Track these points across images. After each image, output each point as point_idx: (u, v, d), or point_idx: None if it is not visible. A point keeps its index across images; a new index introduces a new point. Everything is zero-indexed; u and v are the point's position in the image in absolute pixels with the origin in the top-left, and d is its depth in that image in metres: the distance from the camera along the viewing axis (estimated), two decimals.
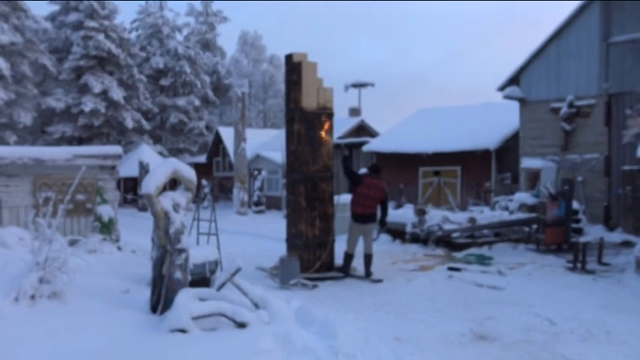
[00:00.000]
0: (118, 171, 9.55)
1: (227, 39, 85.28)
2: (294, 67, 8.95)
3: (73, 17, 34.59)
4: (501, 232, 11.81)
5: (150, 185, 5.06)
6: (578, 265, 9.03)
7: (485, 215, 11.81)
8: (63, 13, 36.01)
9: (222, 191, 32.85)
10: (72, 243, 6.82)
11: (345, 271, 8.62)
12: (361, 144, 24.00)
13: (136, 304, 5.44)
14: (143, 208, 25.10)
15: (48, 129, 33.51)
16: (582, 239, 9.92)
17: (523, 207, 13.75)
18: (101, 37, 33.26)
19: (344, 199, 10.93)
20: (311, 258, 8.71)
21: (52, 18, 36.37)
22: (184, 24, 42.91)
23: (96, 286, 5.85)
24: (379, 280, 8.22)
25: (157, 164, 5.41)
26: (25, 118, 30.54)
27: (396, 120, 26.33)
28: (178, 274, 5.31)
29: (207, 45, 43.19)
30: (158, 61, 38.88)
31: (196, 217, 9.14)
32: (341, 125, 27.43)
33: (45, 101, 32.86)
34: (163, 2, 40.73)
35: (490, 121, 21.12)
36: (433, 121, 23.98)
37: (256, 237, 14.33)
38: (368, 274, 8.43)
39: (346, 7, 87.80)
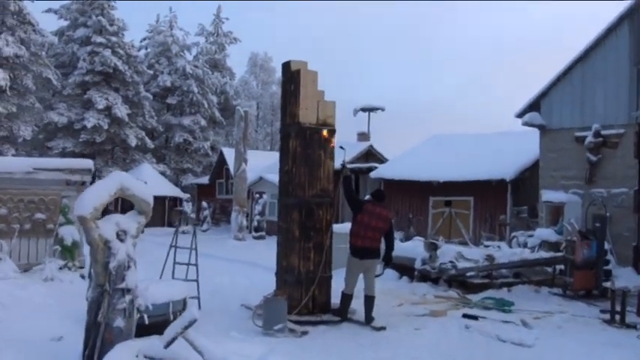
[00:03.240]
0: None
1: (237, 60, 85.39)
2: (291, 77, 7.84)
3: (80, 32, 34.15)
4: (521, 273, 10.49)
5: (84, 205, 3.90)
6: (616, 316, 7.69)
7: (504, 252, 10.50)
8: (71, 29, 35.62)
9: (224, 214, 31.66)
10: (25, 269, 5.67)
11: (342, 314, 7.34)
12: (369, 170, 22.82)
13: (65, 358, 4.21)
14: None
15: (48, 144, 32.68)
16: (617, 285, 8.59)
17: (545, 244, 12.44)
18: (108, 52, 32.66)
19: (342, 227, 9.65)
20: (303, 296, 7.45)
21: (60, 33, 35.98)
22: (194, 43, 42.39)
23: (23, 331, 4.63)
24: (382, 328, 6.93)
25: (101, 181, 4.24)
26: (25, 131, 29.76)
27: (410, 147, 25.14)
28: (119, 322, 4.10)
29: (217, 65, 42.55)
30: (165, 80, 38.21)
31: (174, 244, 7.93)
32: (348, 150, 26.29)
33: (47, 115, 32.12)
34: (174, 20, 40.28)
35: (506, 151, 19.90)
36: (446, 148, 22.79)
37: (250, 266, 13.09)
38: (369, 319, 7.16)
39: (362, 33, 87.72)
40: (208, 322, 7.02)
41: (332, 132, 7.83)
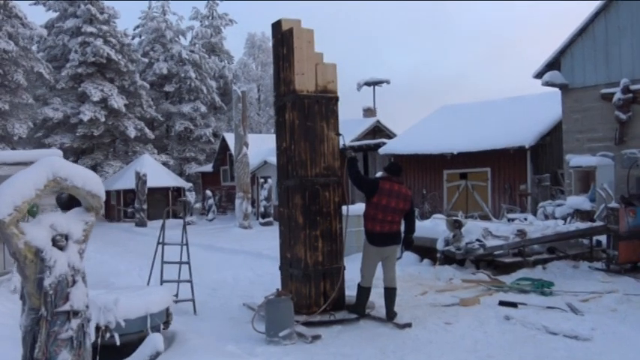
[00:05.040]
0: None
1: (234, 42, 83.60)
2: (282, 38, 6.72)
3: (70, 23, 32.95)
4: (556, 247, 9.38)
5: (0, 205, 2.83)
6: None
7: (535, 226, 9.39)
8: (61, 20, 34.42)
9: (230, 201, 30.69)
10: None
11: (360, 310, 6.31)
12: (377, 146, 21.66)
13: None
14: (140, 224, 23.03)
15: (45, 140, 31.74)
16: None
17: (577, 213, 11.31)
18: (99, 42, 31.48)
19: (356, 208, 8.48)
20: (312, 293, 6.42)
21: (50, 26, 34.80)
22: (188, 27, 41.06)
23: None
24: (407, 325, 5.89)
25: (25, 171, 3.18)
26: (20, 129, 28.80)
27: (419, 120, 23.93)
28: (65, 356, 3.07)
29: (213, 49, 41.27)
30: (162, 67, 37.05)
31: (161, 242, 6.90)
32: (355, 126, 25.16)
33: (42, 111, 31.15)
34: (166, 5, 38.95)
35: (521, 117, 18.65)
36: (457, 118, 21.56)
37: (256, 257, 12.09)
38: (391, 315, 6.12)
39: (370, 7, 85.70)
40: (202, 328, 6.04)
41: (334, 101, 6.72)
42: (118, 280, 9.07)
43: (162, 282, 6.72)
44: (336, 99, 6.74)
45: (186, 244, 7.02)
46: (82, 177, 3.26)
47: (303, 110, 6.50)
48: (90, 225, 3.34)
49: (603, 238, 9.54)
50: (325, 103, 6.64)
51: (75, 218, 3.28)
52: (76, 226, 3.24)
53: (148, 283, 6.99)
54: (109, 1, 37.86)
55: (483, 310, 6.47)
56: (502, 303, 6.64)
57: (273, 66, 7.06)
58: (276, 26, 6.83)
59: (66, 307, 3.09)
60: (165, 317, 4.87)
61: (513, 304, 6.53)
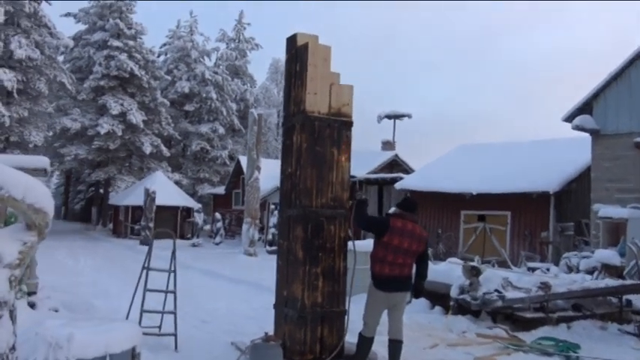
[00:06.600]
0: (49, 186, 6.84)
1: (258, 67, 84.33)
2: (296, 54, 6.15)
3: (97, 36, 33.30)
4: (582, 304, 8.52)
5: None
6: None
7: (561, 280, 8.56)
8: (89, 33, 34.79)
9: (240, 226, 30.06)
10: None
11: None
12: (394, 180, 20.98)
13: None
14: (144, 242, 22.46)
15: (61, 150, 31.65)
16: None
17: (605, 268, 10.43)
18: (124, 56, 31.65)
19: (365, 244, 7.71)
20: (307, 338, 5.68)
21: (78, 37, 35.18)
22: (214, 49, 41.26)
23: None
24: None
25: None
26: (37, 137, 28.73)
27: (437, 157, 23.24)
28: None
29: (237, 72, 41.34)
30: (184, 86, 37.12)
31: (146, 266, 6.25)
32: (372, 159, 24.56)
33: (60, 121, 31.14)
34: (194, 25, 39.23)
35: (546, 161, 17.89)
36: (476, 157, 20.85)
37: (256, 288, 11.37)
38: None
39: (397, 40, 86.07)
40: None
41: (348, 126, 6.09)
42: (104, 303, 8.41)
43: (142, 312, 6.04)
44: (350, 123, 6.11)
45: (174, 271, 6.36)
46: (23, 186, 2.65)
47: (313, 133, 5.88)
48: (29, 247, 2.71)
49: (634, 298, 8.69)
50: (338, 127, 6.02)
51: (8, 236, 2.66)
52: (9, 246, 2.62)
53: (128, 312, 6.32)
54: (140, 17, 38.33)
55: None
56: None
57: (285, 84, 6.48)
58: (291, 41, 6.27)
59: None
60: (133, 358, 4.18)
61: None
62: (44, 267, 8.58)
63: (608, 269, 10.40)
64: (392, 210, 6.84)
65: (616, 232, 11.79)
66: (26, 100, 28.28)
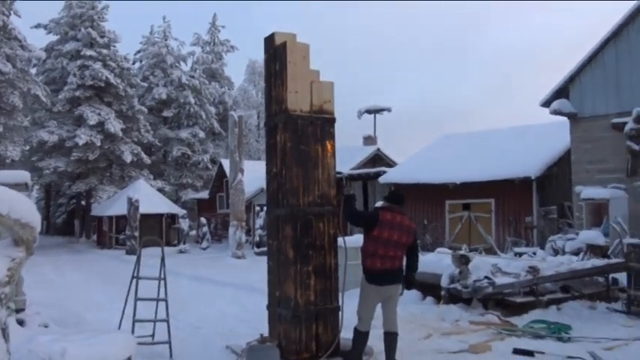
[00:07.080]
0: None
1: (235, 69, 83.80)
2: (275, 53, 6.13)
3: (70, 46, 32.82)
4: (570, 286, 8.65)
5: None
6: None
7: (549, 262, 8.68)
8: (61, 43, 34.25)
9: (226, 229, 29.92)
10: None
11: (356, 358, 5.55)
12: (377, 175, 21.05)
13: None
14: (131, 252, 22.24)
15: (39, 164, 31.14)
16: None
17: (590, 249, 10.61)
18: (98, 65, 31.24)
19: (355, 239, 7.71)
20: (303, 337, 5.68)
21: (50, 48, 34.60)
22: (189, 53, 40.94)
23: None
24: None
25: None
26: (14, 152, 28.23)
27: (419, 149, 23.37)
28: None
29: (214, 75, 41.09)
30: (161, 92, 36.78)
31: (136, 275, 6.19)
32: (354, 154, 24.61)
33: (37, 134, 30.64)
34: (168, 30, 38.89)
35: (527, 147, 18.10)
36: (458, 147, 21.01)
37: (246, 290, 11.32)
38: None
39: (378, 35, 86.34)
40: None
41: (331, 123, 6.10)
42: (94, 315, 8.31)
43: (134, 321, 5.98)
44: (333, 120, 6.12)
45: (164, 279, 6.31)
46: (8, 201, 2.60)
47: (296, 132, 5.87)
48: (17, 263, 2.67)
49: (620, 276, 8.85)
50: (321, 124, 6.01)
51: None
52: None
53: (120, 323, 6.25)
54: (112, 24, 37.61)
55: (496, 359, 5.73)
56: (517, 351, 5.89)
57: (265, 84, 6.46)
58: (269, 40, 6.25)
59: None
60: None
61: (530, 353, 5.79)
62: (31, 283, 8.43)
63: (594, 249, 10.59)
64: (379, 203, 6.88)
65: (598, 212, 12.00)
66: (0, 114, 27.76)
